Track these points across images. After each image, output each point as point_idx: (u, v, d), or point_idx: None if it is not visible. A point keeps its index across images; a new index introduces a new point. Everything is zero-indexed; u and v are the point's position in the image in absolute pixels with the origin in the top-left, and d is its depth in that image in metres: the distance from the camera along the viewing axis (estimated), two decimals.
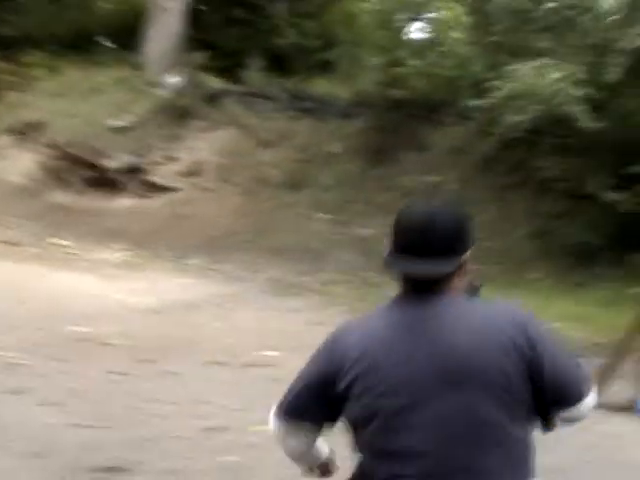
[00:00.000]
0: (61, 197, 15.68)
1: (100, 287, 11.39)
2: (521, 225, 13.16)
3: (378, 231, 13.53)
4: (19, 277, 11.87)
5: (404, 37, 15.96)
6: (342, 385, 2.25)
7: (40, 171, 16.15)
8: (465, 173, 13.96)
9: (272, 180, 14.74)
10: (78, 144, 15.60)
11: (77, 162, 15.64)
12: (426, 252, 2.20)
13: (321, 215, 14.03)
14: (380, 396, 2.20)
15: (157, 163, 15.23)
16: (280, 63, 17.63)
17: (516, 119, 11.57)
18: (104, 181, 15.41)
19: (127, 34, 17.33)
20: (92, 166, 15.49)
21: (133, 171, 15.28)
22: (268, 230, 13.88)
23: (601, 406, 6.97)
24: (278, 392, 2.42)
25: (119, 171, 15.29)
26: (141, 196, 15.20)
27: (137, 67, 16.75)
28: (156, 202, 15.04)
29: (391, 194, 14.09)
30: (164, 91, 15.58)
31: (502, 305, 2.33)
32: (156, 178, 15.15)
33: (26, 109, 16.65)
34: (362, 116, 14.81)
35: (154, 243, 14.01)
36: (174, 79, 15.74)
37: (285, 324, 9.63)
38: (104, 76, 16.77)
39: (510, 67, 11.62)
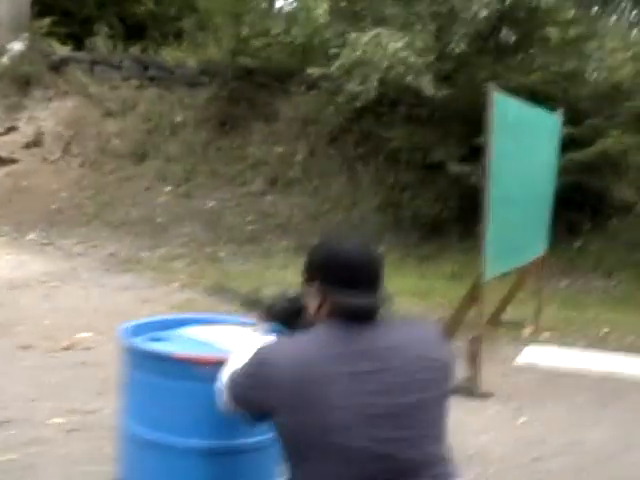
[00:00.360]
0: None
1: None
2: (370, 197, 12.91)
3: (223, 204, 13.18)
4: None
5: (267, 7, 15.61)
6: (277, 411, 2.35)
7: None
8: (314, 144, 13.65)
9: (116, 151, 14.16)
10: None
11: None
12: (372, 286, 2.44)
13: (165, 187, 13.53)
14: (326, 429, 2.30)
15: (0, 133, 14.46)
16: (135, 31, 17.04)
17: (357, 89, 11.30)
18: None
19: None
20: None
21: None
22: (111, 203, 13.35)
23: None
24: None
25: None
26: None
27: None
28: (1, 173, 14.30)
29: (238, 165, 13.72)
30: (5, 58, 14.76)
31: (425, 324, 2.70)
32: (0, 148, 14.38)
33: None
34: (210, 85, 14.31)
35: None
36: (17, 45, 14.94)
37: (111, 303, 9.14)
38: None
39: (353, 35, 11.31)
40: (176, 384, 3.12)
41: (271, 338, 2.70)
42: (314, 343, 2.38)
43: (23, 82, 14.71)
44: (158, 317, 3.80)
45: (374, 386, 2.31)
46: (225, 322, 3.64)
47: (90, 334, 7.83)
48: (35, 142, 14.45)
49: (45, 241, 12.55)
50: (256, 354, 2.45)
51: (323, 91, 13.22)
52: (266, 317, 2.92)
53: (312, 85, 13.58)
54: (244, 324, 3.36)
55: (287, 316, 2.81)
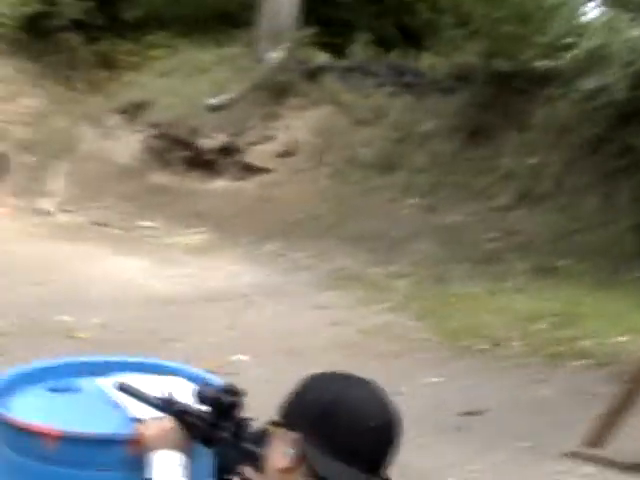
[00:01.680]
0: (160, 178, 15.35)
1: (145, 272, 10.86)
2: (627, 216, 11.33)
3: (465, 219, 12.25)
4: (75, 258, 11.58)
5: None
6: None
7: (145, 152, 15.89)
8: (569, 155, 12.26)
9: (363, 161, 13.64)
10: (178, 124, 15.18)
11: (176, 142, 15.22)
12: (378, 466, 1.73)
13: (409, 200, 12.80)
14: None
15: (252, 143, 14.51)
16: (410, 39, 16.50)
17: (593, 85, 9.78)
18: (201, 162, 14.90)
19: (245, 11, 16.72)
20: (189, 146, 15.01)
21: (229, 151, 14.64)
22: (351, 215, 12.84)
23: (604, 464, 5.55)
24: None
25: (215, 151, 14.70)
26: (235, 177, 14.56)
27: (248, 44, 16.10)
28: (248, 184, 14.35)
29: (486, 178, 12.69)
30: (265, 68, 14.80)
31: None
32: (250, 159, 14.44)
33: (137, 89, 16.43)
34: (462, 91, 13.37)
35: (235, 227, 13.36)
36: (275, 55, 14.93)
37: (295, 323, 8.63)
38: (212, 54, 16.26)
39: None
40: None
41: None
42: None
43: (279, 91, 14.65)
44: (94, 358, 3.14)
45: None
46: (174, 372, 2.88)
47: (246, 357, 7.35)
48: (288, 152, 14.32)
49: (279, 252, 12.32)
50: None
51: (581, 95, 11.79)
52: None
53: (570, 88, 12.17)
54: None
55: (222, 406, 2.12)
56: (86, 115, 16.98)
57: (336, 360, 7.29)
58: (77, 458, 2.37)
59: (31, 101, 17.16)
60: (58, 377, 2.82)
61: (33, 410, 2.56)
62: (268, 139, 14.56)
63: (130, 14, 17.21)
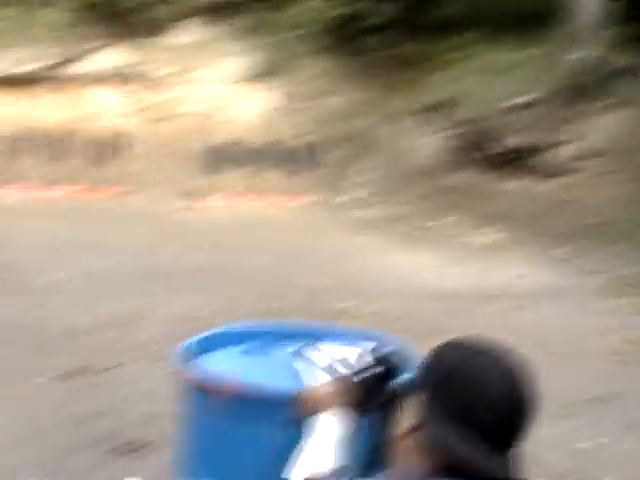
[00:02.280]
0: (459, 177, 15.43)
1: (430, 268, 10.99)
2: None
3: None
4: (366, 252, 11.98)
5: None
6: None
7: (443, 151, 16.04)
8: None
9: None
10: (477, 124, 15.16)
11: (475, 142, 15.21)
12: (509, 443, 1.68)
13: None
14: None
15: (552, 145, 14.18)
16: None
17: None
18: (499, 162, 14.79)
19: (551, 11, 16.35)
20: (489, 147, 14.95)
21: (528, 152, 14.42)
22: None
23: None
24: None
25: (514, 152, 14.54)
26: (533, 179, 14.32)
27: (553, 44, 15.74)
28: (547, 185, 14.06)
29: None
30: (569, 69, 14.39)
31: None
32: (549, 160, 14.13)
33: (438, 89, 16.60)
34: None
35: (528, 228, 13.15)
36: (580, 56, 14.48)
37: (576, 327, 8.35)
38: (514, 54, 16.06)
39: None
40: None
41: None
42: None
43: (582, 93, 14.16)
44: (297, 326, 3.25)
45: None
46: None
47: None
48: (588, 154, 13.86)
49: (570, 256, 11.96)
50: None
51: None
52: None
53: None
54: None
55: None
56: (388, 115, 17.41)
57: (601, 367, 7.00)
58: (246, 415, 2.49)
59: (337, 100, 17.87)
60: (257, 341, 2.97)
61: (219, 368, 2.71)
62: (568, 141, 14.18)
63: (433, 16, 17.40)
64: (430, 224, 14.12)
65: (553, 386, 6.22)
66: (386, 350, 2.22)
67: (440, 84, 16.66)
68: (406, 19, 17.03)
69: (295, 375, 2.60)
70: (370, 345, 2.28)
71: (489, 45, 16.81)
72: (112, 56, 17.04)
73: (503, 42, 16.65)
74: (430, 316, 8.39)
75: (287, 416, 2.38)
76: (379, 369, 2.19)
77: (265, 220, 14.15)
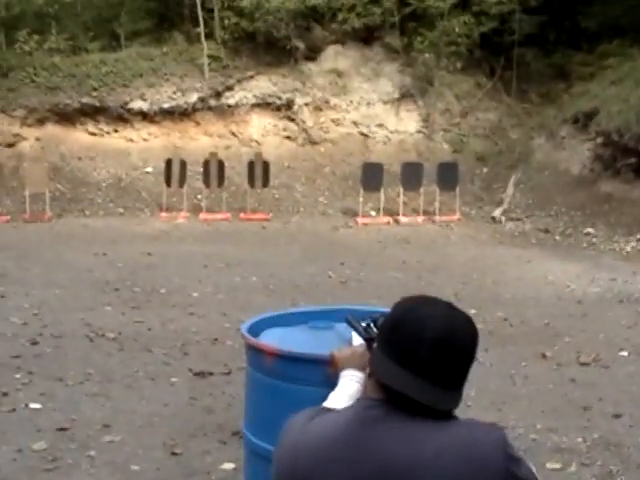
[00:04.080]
0: (608, 186, 15.28)
1: (570, 275, 11.01)
2: None
3: None
4: (505, 262, 12.10)
5: None
6: None
7: (592, 160, 15.91)
8: None
9: None
10: (625, 132, 14.95)
11: (624, 150, 15.02)
12: (437, 377, 1.90)
13: None
14: None
15: None
16: None
17: None
18: None
19: None
20: (637, 154, 14.73)
21: None
22: None
23: None
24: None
25: None
26: None
27: None
28: None
29: None
30: None
31: (481, 440, 1.90)
32: None
33: (586, 99, 16.50)
34: None
35: None
36: None
37: None
38: None
39: None
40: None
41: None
42: (324, 436, 1.97)
43: None
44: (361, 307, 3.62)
45: None
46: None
47: (626, 353, 7.30)
48: None
49: None
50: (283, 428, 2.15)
51: None
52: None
53: None
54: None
55: None
56: (540, 126, 17.44)
57: None
58: (288, 373, 2.88)
59: (487, 115, 18.02)
60: (328, 320, 3.33)
61: (277, 337, 3.11)
62: None
63: (585, 25, 17.30)
64: (580, 233, 14.06)
65: None
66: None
67: (592, 93, 16.56)
68: (557, 28, 17.02)
69: (341, 343, 2.96)
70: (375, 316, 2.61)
71: (638, 52, 16.62)
72: (268, 83, 17.84)
73: None
74: (555, 320, 8.53)
75: (322, 375, 2.75)
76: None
77: (421, 235, 14.45)
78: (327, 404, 2.41)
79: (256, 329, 3.19)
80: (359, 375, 2.56)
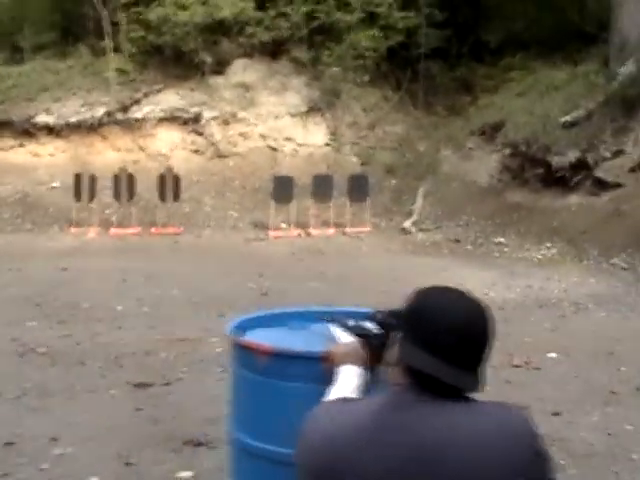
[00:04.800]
0: (516, 196, 15.72)
1: (486, 282, 11.25)
2: None
3: None
4: (423, 271, 12.23)
5: None
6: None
7: (500, 171, 16.35)
8: None
9: None
10: (532, 142, 15.45)
11: (531, 160, 15.50)
12: (464, 361, 2.02)
13: None
14: None
15: (605, 158, 14.39)
16: None
17: None
18: (554, 179, 15.04)
19: (600, 28, 16.63)
20: (543, 164, 15.22)
21: (582, 167, 14.64)
22: None
23: None
24: None
25: (568, 168, 14.77)
26: (588, 193, 14.52)
27: (601, 61, 16.03)
28: (600, 199, 14.25)
29: None
30: (616, 83, 14.63)
31: (508, 419, 2.05)
32: (602, 174, 14.33)
33: (492, 110, 16.97)
34: None
35: (585, 241, 13.40)
36: (626, 69, 14.71)
37: (631, 331, 8.58)
38: (565, 72, 16.41)
39: None
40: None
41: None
42: (355, 422, 2.06)
43: (630, 105, 14.36)
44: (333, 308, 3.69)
45: None
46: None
47: (555, 355, 7.54)
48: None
49: (627, 265, 12.15)
50: (305, 420, 2.19)
51: None
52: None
53: None
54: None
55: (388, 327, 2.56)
56: (447, 138, 17.82)
57: None
58: (283, 371, 2.90)
59: (394, 127, 18.34)
60: (301, 321, 3.39)
61: (262, 337, 3.15)
62: (620, 153, 14.35)
63: (488, 39, 17.81)
64: (490, 242, 14.41)
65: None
66: (379, 317, 2.63)
67: (497, 105, 17.04)
68: (461, 42, 17.45)
69: (324, 340, 3.02)
70: (371, 313, 2.69)
71: (542, 64, 17.22)
72: (176, 96, 17.77)
73: (555, 61, 17.02)
74: (497, 325, 8.67)
75: (317, 372, 2.81)
76: (379, 331, 2.62)
77: (333, 247, 14.57)
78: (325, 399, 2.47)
79: (237, 332, 3.21)
80: (357, 370, 2.63)
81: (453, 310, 2.04)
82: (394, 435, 1.98)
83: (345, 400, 2.26)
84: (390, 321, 2.55)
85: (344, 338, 2.87)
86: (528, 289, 10.88)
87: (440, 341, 2.00)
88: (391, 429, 1.99)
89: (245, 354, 3.05)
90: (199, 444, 5.26)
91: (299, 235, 15.52)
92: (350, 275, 11.89)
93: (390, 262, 13.09)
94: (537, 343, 7.96)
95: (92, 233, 15.06)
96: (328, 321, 3.04)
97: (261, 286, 10.92)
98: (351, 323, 2.88)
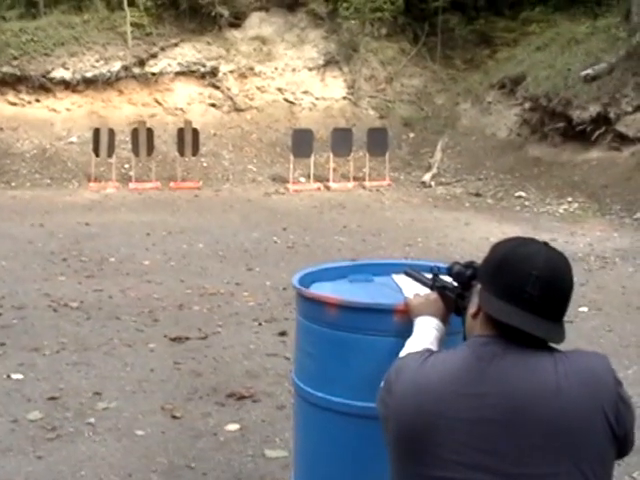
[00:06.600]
0: (536, 150, 15.62)
1: (506, 236, 11.18)
2: None
3: None
4: (445, 225, 12.24)
5: None
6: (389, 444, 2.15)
7: (520, 125, 16.24)
8: None
9: None
10: (552, 96, 15.31)
11: (551, 115, 15.37)
12: (545, 312, 2.03)
13: None
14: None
15: (626, 112, 14.27)
16: None
17: None
18: (575, 133, 14.93)
19: None
20: (564, 118, 15.09)
21: (603, 122, 14.52)
22: None
23: None
24: None
25: (589, 122, 14.65)
26: (609, 147, 14.42)
27: (623, 14, 15.82)
28: (622, 154, 14.16)
29: None
30: (638, 37, 14.44)
31: (593, 365, 2.08)
32: (623, 128, 14.22)
33: (512, 64, 16.81)
34: None
35: (606, 196, 13.35)
36: None
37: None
38: (587, 26, 16.22)
39: None
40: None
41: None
42: (445, 373, 2.07)
43: None
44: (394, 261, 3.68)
45: (492, 446, 1.97)
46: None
47: (586, 309, 7.54)
48: None
49: None
50: (392, 371, 2.21)
51: None
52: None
53: None
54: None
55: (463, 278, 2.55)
56: (465, 92, 17.69)
57: None
58: (354, 324, 2.87)
59: (412, 80, 18.19)
60: (361, 273, 3.38)
61: (329, 290, 3.14)
62: None
63: None
64: (511, 196, 14.35)
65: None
66: (457, 269, 2.60)
67: (516, 59, 16.89)
68: None
69: (400, 292, 3.01)
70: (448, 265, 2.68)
71: (562, 17, 17.03)
72: (193, 50, 17.63)
73: (576, 14, 16.82)
74: None
75: (388, 324, 2.80)
76: (454, 284, 2.61)
77: (354, 200, 14.52)
78: (406, 350, 2.46)
79: (302, 284, 3.19)
80: (435, 321, 2.63)
81: (537, 261, 2.04)
82: (485, 386, 2.00)
83: (430, 352, 2.26)
84: (469, 273, 2.53)
85: (419, 290, 2.86)
86: (554, 243, 10.74)
87: (525, 293, 2.01)
88: (482, 380, 2.01)
89: (313, 307, 3.03)
90: (242, 397, 5.29)
91: (318, 189, 15.48)
92: (374, 229, 11.85)
93: (413, 215, 13.05)
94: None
95: (111, 188, 15.02)
96: (406, 274, 3.04)
97: (286, 239, 10.93)
98: (427, 275, 2.87)
